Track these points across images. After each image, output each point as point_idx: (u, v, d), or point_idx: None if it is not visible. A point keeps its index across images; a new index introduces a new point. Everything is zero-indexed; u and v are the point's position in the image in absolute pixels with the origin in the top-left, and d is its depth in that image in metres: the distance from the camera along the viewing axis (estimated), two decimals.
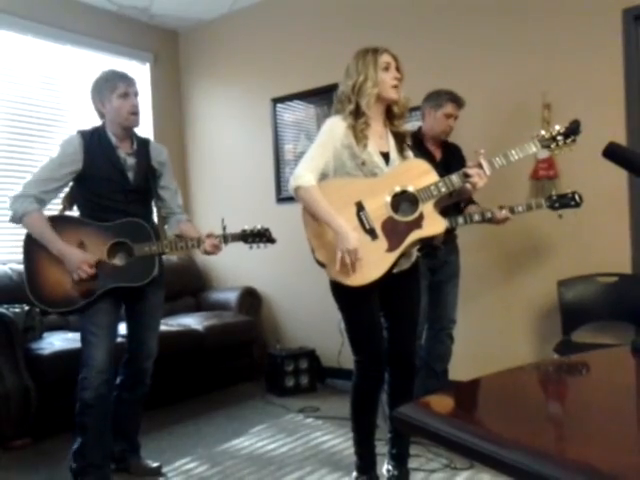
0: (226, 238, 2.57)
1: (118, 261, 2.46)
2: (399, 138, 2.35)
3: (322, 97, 4.11)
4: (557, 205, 2.72)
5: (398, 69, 2.27)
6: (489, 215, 2.79)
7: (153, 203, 2.67)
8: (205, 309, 4.53)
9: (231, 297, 4.46)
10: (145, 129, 4.78)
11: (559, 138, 2.20)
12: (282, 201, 4.35)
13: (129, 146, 2.57)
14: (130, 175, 2.53)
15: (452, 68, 3.58)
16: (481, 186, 2.18)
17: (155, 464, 2.74)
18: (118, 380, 2.66)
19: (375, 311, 2.30)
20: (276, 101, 4.47)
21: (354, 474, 2.40)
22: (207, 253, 2.55)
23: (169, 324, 3.88)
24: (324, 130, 2.29)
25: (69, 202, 2.56)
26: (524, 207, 2.77)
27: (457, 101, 2.98)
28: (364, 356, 2.30)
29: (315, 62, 4.21)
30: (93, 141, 2.49)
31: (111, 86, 2.48)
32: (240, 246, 2.65)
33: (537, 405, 1.12)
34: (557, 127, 2.22)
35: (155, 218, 2.71)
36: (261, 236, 2.64)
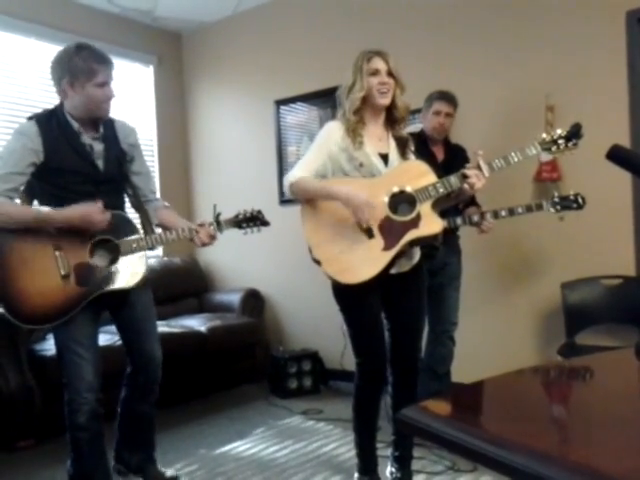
0: (220, 226, 2.37)
1: (101, 261, 2.19)
2: (401, 142, 2.35)
3: (325, 99, 4.11)
4: (559, 207, 2.72)
5: (391, 74, 2.23)
6: (475, 219, 2.79)
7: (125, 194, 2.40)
8: (208, 311, 4.52)
9: (234, 299, 4.46)
10: (149, 131, 4.81)
11: (560, 141, 2.21)
12: (285, 203, 4.35)
13: (94, 130, 2.23)
14: (100, 164, 2.22)
15: (455, 70, 3.58)
16: (479, 187, 2.16)
17: (170, 472, 2.59)
18: (123, 393, 2.47)
19: (376, 312, 2.30)
20: (279, 103, 4.48)
21: (356, 475, 2.41)
22: (203, 245, 2.33)
23: (172, 325, 3.89)
24: (321, 133, 2.32)
25: (28, 197, 2.21)
26: (524, 208, 2.76)
27: (445, 98, 3.00)
28: (365, 357, 2.31)
29: (318, 64, 4.21)
30: (51, 127, 2.13)
31: (89, 71, 2.11)
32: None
33: (540, 407, 1.12)
34: (559, 131, 2.23)
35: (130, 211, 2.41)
36: (255, 220, 2.48)
